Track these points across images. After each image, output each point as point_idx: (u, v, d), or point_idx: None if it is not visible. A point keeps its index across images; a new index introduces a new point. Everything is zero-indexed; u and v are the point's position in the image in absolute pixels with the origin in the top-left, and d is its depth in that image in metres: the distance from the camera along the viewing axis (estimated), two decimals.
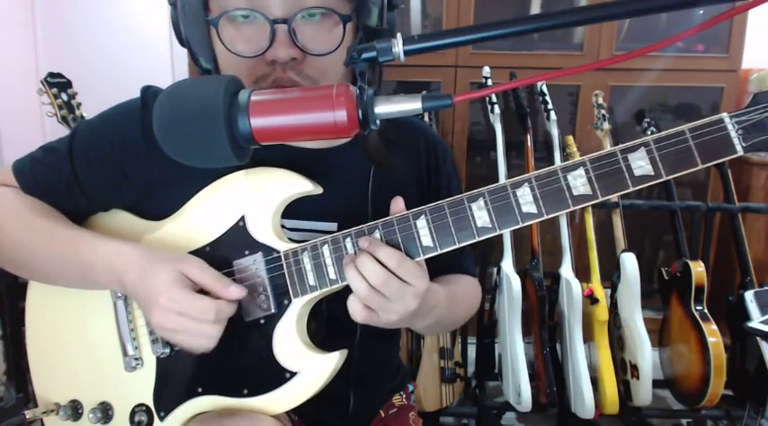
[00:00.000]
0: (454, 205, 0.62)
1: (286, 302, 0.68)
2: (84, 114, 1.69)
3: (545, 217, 0.59)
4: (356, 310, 0.62)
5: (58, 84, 1.68)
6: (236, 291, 0.65)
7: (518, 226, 0.60)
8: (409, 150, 0.81)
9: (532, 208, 0.59)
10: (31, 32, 2.50)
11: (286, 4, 0.62)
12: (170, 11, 0.67)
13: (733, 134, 0.53)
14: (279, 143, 0.72)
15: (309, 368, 0.66)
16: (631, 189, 0.56)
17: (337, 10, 0.64)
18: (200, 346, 0.64)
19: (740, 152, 0.54)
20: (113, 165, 0.73)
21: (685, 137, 0.55)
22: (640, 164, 0.56)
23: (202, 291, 0.64)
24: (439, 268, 0.79)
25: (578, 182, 0.57)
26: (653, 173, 0.55)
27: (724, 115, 0.54)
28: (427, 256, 0.63)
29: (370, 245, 0.61)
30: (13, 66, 2.40)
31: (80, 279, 0.71)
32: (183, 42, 0.68)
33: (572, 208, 0.58)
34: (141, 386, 0.73)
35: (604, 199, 0.57)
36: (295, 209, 0.72)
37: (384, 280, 0.60)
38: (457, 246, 0.62)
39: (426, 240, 0.62)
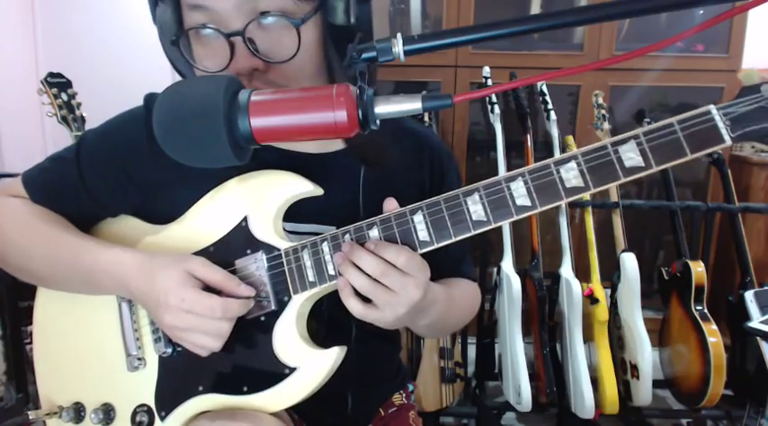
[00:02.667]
0: (450, 200, 0.62)
1: (286, 299, 0.68)
2: (84, 114, 1.69)
3: (539, 209, 0.60)
4: (353, 304, 0.63)
5: (58, 84, 1.68)
6: (246, 289, 0.65)
7: (513, 219, 0.61)
8: (413, 157, 0.81)
9: (526, 201, 0.60)
10: (30, 32, 2.49)
11: (240, 17, 0.62)
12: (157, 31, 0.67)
13: (721, 125, 0.54)
14: (276, 147, 0.73)
15: (309, 364, 0.66)
16: (623, 180, 0.57)
17: (290, 14, 0.63)
18: (208, 345, 0.64)
19: (728, 142, 0.55)
20: (119, 169, 0.74)
21: (674, 128, 0.55)
22: (630, 155, 0.57)
23: (209, 290, 0.65)
24: (438, 273, 0.79)
25: (571, 175, 0.58)
26: (643, 165, 0.56)
27: (711, 107, 0.55)
28: (424, 250, 0.64)
29: (376, 247, 0.62)
30: (13, 66, 2.40)
31: (85, 284, 0.72)
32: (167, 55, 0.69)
33: (565, 200, 0.59)
34: (143, 386, 0.73)
35: (596, 190, 0.58)
36: (293, 212, 0.73)
37: (383, 271, 0.61)
38: (453, 240, 0.63)
39: (423, 235, 0.63)
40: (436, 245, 0.63)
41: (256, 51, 0.63)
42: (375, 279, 0.61)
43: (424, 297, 0.64)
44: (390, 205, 0.65)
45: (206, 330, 0.63)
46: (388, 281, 0.61)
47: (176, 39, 0.63)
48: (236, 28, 0.61)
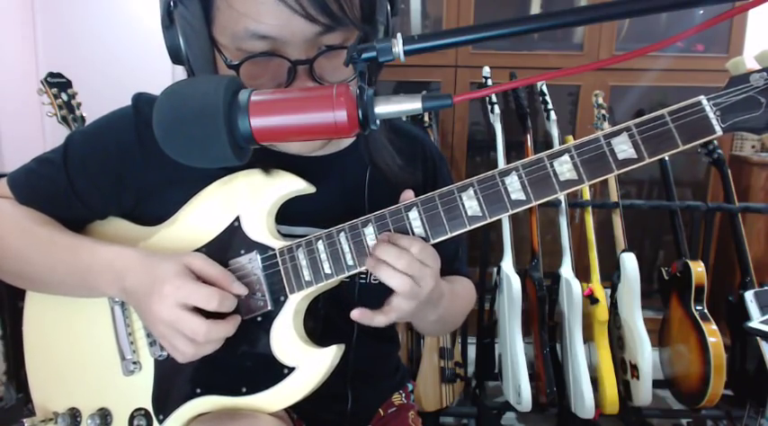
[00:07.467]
0: (445, 195, 0.63)
1: (282, 299, 0.68)
2: (84, 114, 1.69)
3: (533, 203, 0.60)
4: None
5: (58, 84, 1.68)
6: (240, 288, 0.65)
7: (508, 213, 0.61)
8: (407, 159, 0.82)
9: (521, 195, 0.60)
10: (30, 32, 2.49)
11: (306, 47, 0.62)
12: (163, 33, 0.66)
13: (711, 115, 0.55)
14: (275, 149, 0.73)
15: (307, 363, 0.66)
16: (616, 172, 0.58)
17: (348, 44, 0.64)
18: (187, 349, 0.63)
19: (719, 132, 0.55)
20: (110, 172, 0.73)
21: (665, 120, 0.56)
22: (623, 147, 0.57)
23: None
24: None
25: (564, 168, 0.59)
26: (636, 156, 0.57)
27: (702, 98, 0.56)
28: None
29: (390, 238, 0.63)
30: (13, 66, 2.40)
31: (80, 285, 0.71)
32: (179, 62, 0.67)
33: (559, 194, 0.59)
34: (140, 390, 0.73)
35: (590, 183, 0.59)
36: (289, 215, 0.72)
37: (409, 262, 0.61)
38: (449, 236, 0.63)
39: (419, 231, 0.64)
40: (432, 241, 0.64)
41: (317, 76, 0.64)
42: (404, 273, 0.62)
43: (436, 287, 0.65)
44: (407, 195, 0.65)
45: (191, 328, 0.61)
46: (411, 272, 0.62)
47: (239, 64, 0.62)
48: (300, 57, 0.62)
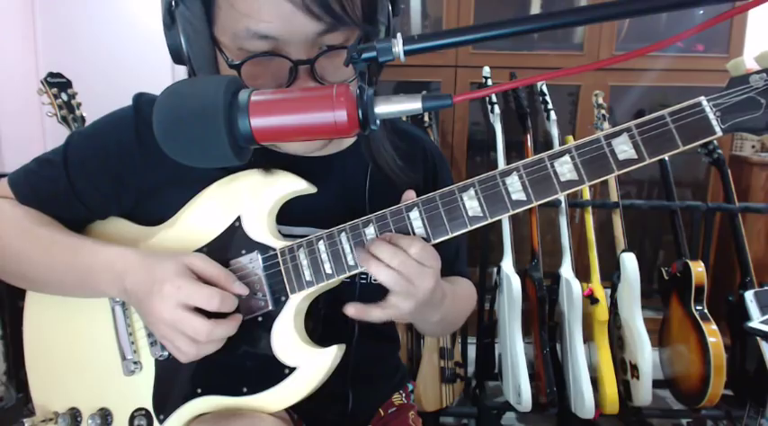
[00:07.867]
0: (446, 196, 0.63)
1: (283, 299, 0.68)
2: (84, 114, 1.69)
3: (534, 203, 0.61)
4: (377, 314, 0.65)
5: (58, 84, 1.68)
6: (241, 288, 0.65)
7: (508, 214, 0.61)
8: (408, 160, 0.82)
9: (522, 196, 0.61)
10: (31, 32, 2.49)
11: (307, 47, 0.62)
12: (165, 33, 0.66)
13: (711, 116, 0.55)
14: (275, 149, 0.73)
15: (308, 363, 0.66)
16: (617, 172, 0.58)
17: (353, 44, 0.64)
18: (189, 349, 0.63)
19: (719, 133, 0.56)
20: (110, 173, 0.73)
21: (666, 121, 0.56)
22: (624, 148, 0.57)
23: None
24: None
25: (565, 169, 0.59)
26: (636, 157, 0.57)
27: (702, 99, 0.56)
28: None
29: (391, 238, 0.63)
30: (13, 66, 2.40)
31: (80, 286, 0.71)
32: (180, 62, 0.67)
33: (560, 194, 0.60)
34: (140, 390, 0.72)
35: (591, 183, 0.59)
36: (290, 215, 0.72)
37: (402, 260, 0.61)
38: (450, 236, 0.63)
39: (420, 231, 0.64)
40: (433, 241, 0.64)
41: (318, 76, 0.64)
42: (397, 271, 0.62)
43: (436, 287, 0.65)
44: (408, 195, 0.66)
45: (194, 327, 0.61)
46: (405, 271, 0.62)
47: (240, 63, 0.62)
48: (301, 57, 0.62)
